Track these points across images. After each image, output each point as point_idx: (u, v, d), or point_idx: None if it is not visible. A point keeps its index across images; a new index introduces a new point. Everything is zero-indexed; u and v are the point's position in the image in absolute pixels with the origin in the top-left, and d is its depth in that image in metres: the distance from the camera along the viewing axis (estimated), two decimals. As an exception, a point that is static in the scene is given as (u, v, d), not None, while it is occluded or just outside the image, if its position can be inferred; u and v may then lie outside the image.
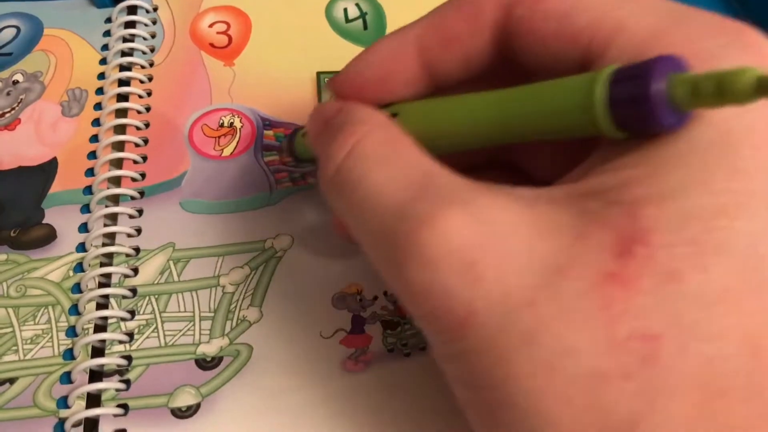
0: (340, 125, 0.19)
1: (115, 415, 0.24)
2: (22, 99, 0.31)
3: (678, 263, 0.13)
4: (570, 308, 0.14)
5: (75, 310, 0.26)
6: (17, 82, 0.32)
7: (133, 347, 0.25)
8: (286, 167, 0.29)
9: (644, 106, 0.14)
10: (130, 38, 0.32)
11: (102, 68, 0.32)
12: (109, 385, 0.24)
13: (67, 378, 0.25)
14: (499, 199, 0.15)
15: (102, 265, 0.27)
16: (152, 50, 0.32)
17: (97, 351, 0.25)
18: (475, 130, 0.18)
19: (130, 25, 0.33)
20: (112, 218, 0.28)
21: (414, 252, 0.15)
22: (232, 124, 0.30)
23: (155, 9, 0.34)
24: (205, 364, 0.25)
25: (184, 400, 0.24)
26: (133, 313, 0.26)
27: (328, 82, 0.22)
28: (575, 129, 0.16)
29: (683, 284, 0.13)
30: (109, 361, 0.25)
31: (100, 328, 0.26)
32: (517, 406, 0.14)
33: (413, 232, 0.15)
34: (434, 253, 0.15)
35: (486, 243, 0.15)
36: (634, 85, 0.14)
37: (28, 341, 0.26)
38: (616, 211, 0.14)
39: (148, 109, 0.31)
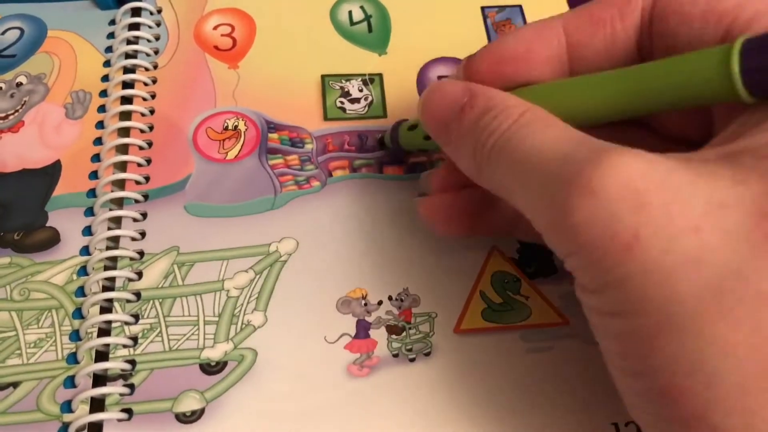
0: (487, 109, 0.20)
1: (119, 420, 0.24)
2: (25, 101, 0.31)
3: None
4: (735, 237, 0.15)
5: (79, 313, 0.26)
6: (21, 84, 0.32)
7: (137, 351, 0.25)
8: (291, 170, 0.29)
9: None
10: (134, 40, 0.32)
11: (106, 70, 0.32)
12: (112, 389, 0.24)
13: (70, 382, 0.25)
14: (657, 155, 0.16)
15: (106, 268, 0.27)
16: (156, 52, 0.32)
17: (101, 355, 0.25)
18: (610, 103, 0.19)
19: (134, 27, 0.33)
20: (116, 221, 0.28)
21: (581, 185, 0.16)
22: (236, 127, 0.30)
23: (159, 11, 0.34)
24: (210, 368, 0.25)
25: (189, 404, 0.24)
26: (137, 317, 0.26)
27: (466, 62, 0.23)
28: (708, 97, 0.17)
29: None
30: (113, 365, 0.25)
31: (103, 332, 0.26)
32: (680, 329, 0.15)
33: (581, 170, 0.16)
34: (601, 184, 0.16)
35: (651, 176, 0.16)
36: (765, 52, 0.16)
37: (32, 345, 0.25)
38: None
39: (152, 112, 0.30)
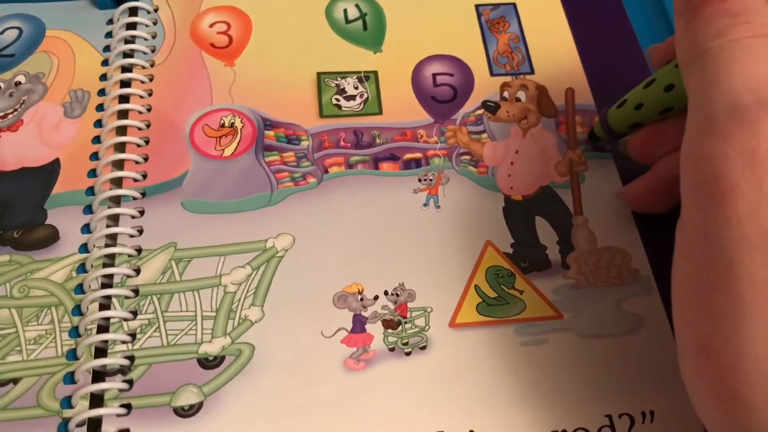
0: (734, 13, 0.19)
1: (118, 415, 0.24)
2: (24, 100, 0.31)
3: None
4: None
5: (78, 310, 0.26)
6: (20, 83, 0.32)
7: (136, 347, 0.25)
8: (287, 167, 0.30)
9: None
10: (131, 39, 0.33)
11: (104, 69, 0.32)
12: (111, 385, 0.24)
13: (70, 378, 0.25)
14: None
15: (105, 265, 0.27)
16: (153, 50, 0.33)
17: (100, 351, 0.25)
18: None
19: (132, 26, 0.33)
20: (114, 219, 0.28)
21: (721, 124, 0.17)
22: (233, 124, 0.30)
23: (156, 9, 0.34)
24: (208, 363, 0.25)
25: (187, 399, 0.24)
26: (135, 313, 0.26)
27: None
28: None
29: None
30: (112, 361, 0.25)
31: (102, 328, 0.26)
32: (732, 294, 0.16)
33: (735, 112, 0.17)
34: (733, 132, 0.17)
35: None
36: None
37: (32, 342, 0.26)
38: None
39: (149, 110, 0.31)
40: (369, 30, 0.34)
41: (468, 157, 0.30)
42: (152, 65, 0.32)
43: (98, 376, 0.25)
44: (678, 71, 0.24)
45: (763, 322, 0.15)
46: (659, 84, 0.25)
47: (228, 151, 0.30)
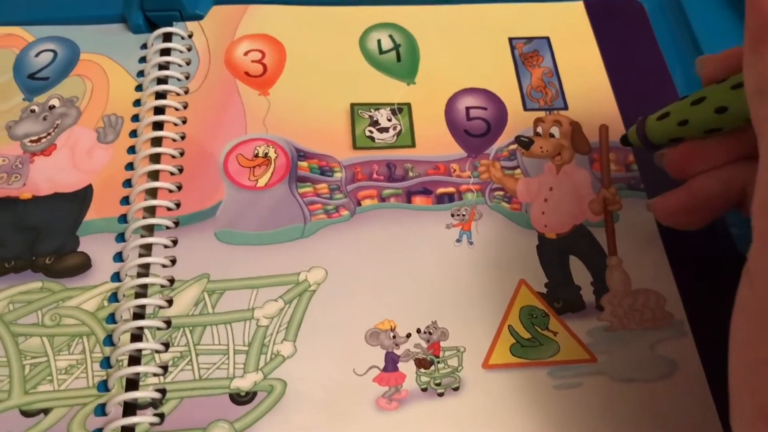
0: None
1: (150, 450, 0.24)
2: (58, 124, 0.31)
3: None
4: None
5: (109, 340, 0.26)
6: (54, 107, 0.32)
7: (168, 380, 0.25)
8: (320, 199, 0.29)
9: None
10: (166, 65, 0.33)
11: (138, 95, 0.32)
12: (143, 419, 0.24)
13: (101, 410, 0.25)
14: None
15: (137, 295, 0.27)
16: (187, 77, 0.33)
17: (132, 383, 0.25)
18: None
19: (166, 52, 0.33)
20: (147, 248, 0.28)
21: None
22: (266, 154, 0.30)
23: (190, 35, 0.34)
24: (240, 398, 0.25)
25: (218, 435, 0.24)
26: (167, 345, 0.26)
27: None
28: None
29: None
30: (144, 394, 0.25)
31: (134, 359, 0.26)
32: None
33: None
34: None
35: None
36: None
37: (63, 371, 0.26)
38: None
39: (183, 137, 0.31)
40: (402, 61, 0.34)
41: (501, 192, 0.30)
42: (186, 92, 0.32)
43: (129, 408, 0.25)
44: (733, 93, 0.23)
45: None
46: (710, 104, 0.24)
47: (262, 182, 0.30)
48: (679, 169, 0.26)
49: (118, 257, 0.28)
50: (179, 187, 0.29)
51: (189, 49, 0.34)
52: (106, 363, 0.26)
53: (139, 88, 0.33)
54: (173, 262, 0.28)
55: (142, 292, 0.27)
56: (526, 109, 0.33)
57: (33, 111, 0.32)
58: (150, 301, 0.27)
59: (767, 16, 0.18)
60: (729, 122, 0.24)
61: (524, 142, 0.31)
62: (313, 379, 0.25)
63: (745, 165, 0.24)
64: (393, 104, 0.32)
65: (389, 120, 0.32)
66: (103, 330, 0.26)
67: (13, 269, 0.28)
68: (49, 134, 0.31)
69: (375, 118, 0.32)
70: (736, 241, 0.29)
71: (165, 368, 0.26)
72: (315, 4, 0.35)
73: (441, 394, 0.25)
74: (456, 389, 0.25)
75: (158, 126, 0.31)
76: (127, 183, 0.30)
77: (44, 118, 0.32)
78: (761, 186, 0.18)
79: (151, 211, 0.29)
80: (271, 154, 0.30)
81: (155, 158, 0.30)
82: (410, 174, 0.30)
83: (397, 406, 0.25)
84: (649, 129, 0.27)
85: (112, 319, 0.27)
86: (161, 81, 0.32)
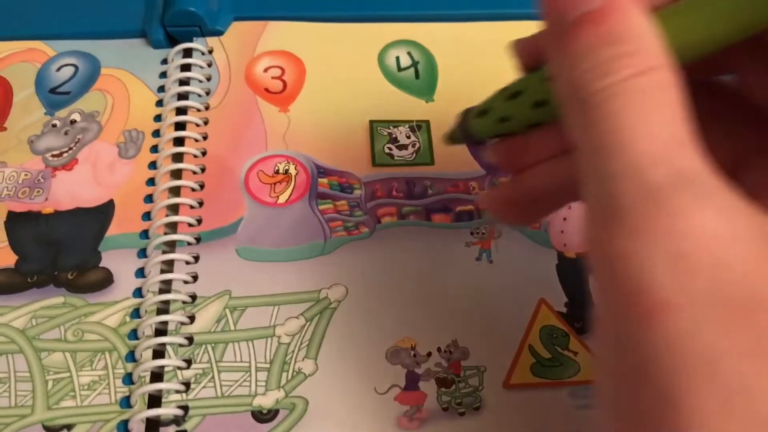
0: (617, 39, 0.16)
1: (173, 467, 0.24)
2: (79, 139, 0.32)
3: None
4: (764, 348, 0.13)
5: (132, 356, 0.26)
6: (75, 121, 0.32)
7: (190, 397, 0.25)
8: (340, 216, 0.30)
9: None
10: (186, 81, 0.33)
11: (158, 110, 0.32)
12: (166, 435, 0.24)
13: (124, 427, 0.25)
14: (735, 203, 0.14)
15: (159, 311, 0.27)
16: (208, 93, 0.33)
17: (154, 399, 0.25)
18: (731, 19, 0.16)
19: (186, 67, 0.33)
20: (169, 264, 0.28)
21: (630, 222, 0.14)
22: (287, 171, 0.31)
23: (211, 51, 0.34)
24: (262, 416, 0.25)
25: (241, 453, 0.24)
26: (189, 362, 0.26)
27: None
28: None
29: None
30: (167, 411, 0.25)
31: (156, 375, 0.26)
32: (680, 421, 0.13)
33: (641, 203, 0.14)
34: (651, 228, 0.14)
35: (710, 243, 0.13)
36: None
37: (86, 387, 0.26)
38: None
39: (204, 153, 0.31)
40: (421, 78, 0.34)
41: (520, 210, 0.30)
42: (207, 108, 0.32)
43: (152, 424, 0.25)
44: (548, 86, 0.20)
45: None
46: (527, 98, 0.21)
47: (282, 198, 0.30)
48: (507, 165, 0.23)
49: (140, 273, 0.28)
50: (200, 203, 0.30)
51: (209, 65, 0.34)
52: (128, 379, 0.26)
53: (159, 103, 0.33)
54: (195, 278, 0.28)
55: (164, 308, 0.27)
56: (544, 127, 0.33)
57: (54, 125, 0.32)
58: (172, 318, 0.27)
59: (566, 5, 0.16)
60: (550, 115, 0.20)
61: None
62: (334, 397, 0.26)
63: (566, 159, 0.21)
64: (412, 121, 0.32)
65: (408, 137, 0.32)
66: (125, 346, 0.26)
67: (35, 284, 0.28)
68: (70, 149, 0.31)
69: (394, 135, 0.32)
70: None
71: (187, 385, 0.26)
72: (334, 20, 0.35)
73: (462, 414, 0.25)
74: (477, 408, 0.26)
75: (179, 141, 0.31)
76: (149, 198, 0.30)
77: (66, 133, 0.32)
78: (589, 229, 0.16)
79: (172, 227, 0.29)
80: (292, 170, 0.31)
81: (176, 174, 0.30)
82: (429, 191, 0.31)
83: (418, 425, 0.25)
84: (473, 126, 0.24)
85: (134, 335, 0.27)
86: (182, 96, 0.33)
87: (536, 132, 0.21)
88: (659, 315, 0.13)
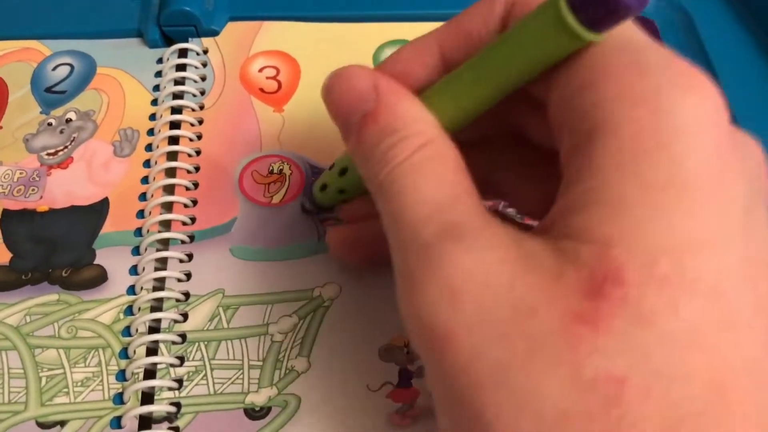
0: (392, 130, 0.19)
1: (165, 464, 0.24)
2: (74, 137, 0.32)
3: (650, 303, 0.14)
4: (539, 346, 0.14)
5: (125, 353, 0.26)
6: (70, 120, 0.32)
7: (183, 394, 0.26)
8: (334, 215, 0.30)
9: None
10: (181, 80, 0.33)
11: (153, 109, 0.33)
12: (159, 432, 0.25)
13: (117, 423, 0.25)
14: (496, 237, 0.17)
15: (152, 309, 0.27)
16: (202, 93, 0.33)
17: (147, 396, 0.26)
18: (479, 88, 0.19)
19: (181, 67, 0.34)
20: (163, 261, 0.28)
21: (411, 275, 0.17)
22: (281, 171, 0.31)
23: (206, 51, 0.34)
24: (254, 413, 0.25)
25: (233, 450, 0.24)
26: (182, 359, 0.26)
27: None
28: (552, 48, 0.17)
29: (654, 326, 0.14)
30: (159, 408, 0.25)
31: (149, 372, 0.26)
32: None
33: (416, 258, 0.17)
34: (426, 278, 0.16)
35: (472, 276, 0.16)
36: None
37: (79, 384, 0.26)
38: (587, 250, 0.15)
39: (198, 153, 0.31)
40: (415, 79, 0.34)
41: (513, 210, 0.30)
42: (202, 108, 0.32)
43: (145, 421, 0.25)
44: None
45: None
46: (353, 173, 0.25)
47: (276, 198, 0.30)
48: (351, 221, 0.27)
49: (134, 270, 0.28)
50: (194, 202, 0.30)
51: (204, 65, 0.34)
52: (121, 376, 0.26)
53: (154, 102, 0.33)
54: (188, 276, 0.28)
55: (157, 305, 0.27)
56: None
57: (50, 124, 0.32)
58: (165, 315, 0.27)
59: (348, 107, 0.20)
60: None
61: None
62: (327, 394, 0.26)
63: None
64: (406, 121, 0.33)
65: (402, 137, 0.32)
66: (118, 343, 0.27)
67: (29, 281, 0.28)
68: (66, 147, 0.32)
69: (388, 135, 0.32)
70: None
71: (180, 382, 0.26)
72: (329, 20, 0.35)
73: (454, 411, 0.26)
74: (469, 406, 0.26)
75: (174, 141, 0.31)
76: (143, 196, 0.30)
77: (61, 132, 0.32)
78: (398, 292, 0.18)
79: (166, 225, 0.29)
80: (286, 170, 0.31)
81: (171, 173, 0.30)
82: (423, 191, 0.31)
83: (410, 422, 0.25)
84: (317, 199, 0.28)
85: (127, 332, 0.27)
86: (177, 96, 0.33)
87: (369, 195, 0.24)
88: (447, 345, 0.16)
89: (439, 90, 0.20)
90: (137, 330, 0.27)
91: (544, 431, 0.14)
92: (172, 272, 0.28)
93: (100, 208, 0.30)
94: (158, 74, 0.34)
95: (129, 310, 0.27)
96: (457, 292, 0.16)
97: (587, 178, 0.16)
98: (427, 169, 0.18)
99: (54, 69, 0.34)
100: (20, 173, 0.31)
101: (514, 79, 0.19)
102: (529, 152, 0.23)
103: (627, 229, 0.15)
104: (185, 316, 0.27)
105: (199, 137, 0.32)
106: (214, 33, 0.35)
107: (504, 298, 0.15)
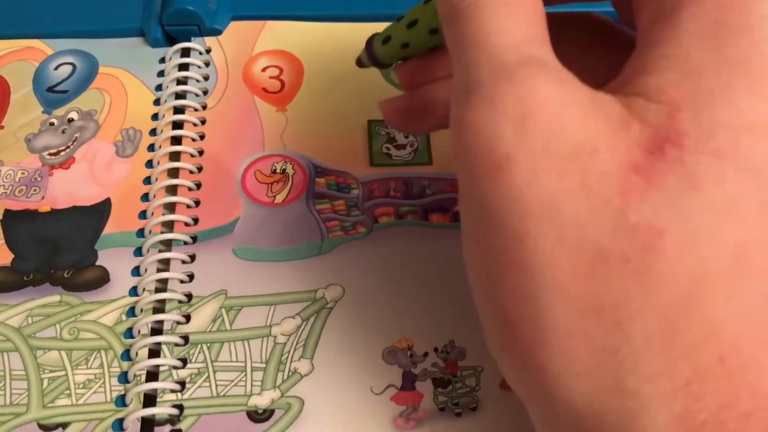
0: None
1: (167, 467, 0.24)
2: (77, 137, 0.32)
3: (701, 170, 0.15)
4: (593, 185, 0.15)
5: (127, 355, 0.26)
6: (72, 120, 0.32)
7: (185, 396, 0.25)
8: (337, 215, 0.30)
9: None
10: (184, 80, 0.33)
11: (156, 109, 0.32)
12: (161, 435, 0.24)
13: (119, 425, 0.25)
14: (575, 80, 0.17)
15: (155, 310, 0.27)
16: (205, 93, 0.33)
17: (149, 398, 0.25)
18: None
19: (184, 67, 0.33)
20: (165, 263, 0.28)
21: (484, 92, 0.16)
22: (284, 170, 0.30)
23: (208, 51, 0.34)
24: (257, 416, 0.25)
25: (236, 453, 0.24)
26: (185, 361, 0.26)
27: None
28: None
29: (700, 191, 0.15)
30: (162, 410, 0.25)
31: (152, 374, 0.26)
32: (524, 265, 0.16)
33: (493, 77, 0.16)
34: (500, 96, 0.16)
35: (546, 104, 0.16)
36: None
37: (81, 385, 0.26)
38: (656, 110, 0.15)
39: (201, 153, 0.31)
40: (419, 78, 0.34)
41: (518, 211, 0.30)
42: (204, 107, 0.32)
43: (147, 423, 0.25)
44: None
45: (557, 290, 0.15)
46: (423, 26, 0.23)
47: (279, 198, 0.30)
48: (410, 83, 0.25)
49: (136, 272, 0.28)
50: (197, 203, 0.30)
51: (207, 65, 0.34)
52: (123, 378, 0.26)
53: (157, 102, 0.33)
54: (191, 277, 0.28)
55: (159, 307, 0.27)
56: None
57: (52, 124, 0.32)
58: (168, 317, 0.27)
59: None
60: (444, 41, 0.22)
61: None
62: (330, 397, 0.25)
63: None
64: (410, 121, 0.32)
65: (406, 137, 0.32)
66: (121, 344, 0.26)
67: (31, 282, 0.28)
68: (68, 147, 0.31)
69: (392, 135, 0.32)
70: None
71: (182, 384, 0.26)
72: (333, 20, 0.35)
73: (459, 414, 0.25)
74: (474, 409, 0.25)
75: (176, 141, 0.31)
76: (145, 197, 0.30)
77: (63, 131, 0.32)
78: (452, 110, 0.18)
79: (168, 225, 0.29)
80: (289, 170, 0.31)
81: (173, 173, 0.30)
82: (427, 191, 0.30)
83: (414, 426, 0.25)
84: (378, 51, 0.26)
85: (129, 334, 0.27)
86: (179, 96, 0.33)
87: (435, 54, 0.24)
88: (504, 169, 0.16)
89: None
90: (139, 332, 0.27)
91: (581, 266, 0.15)
92: (174, 273, 0.28)
93: (102, 209, 0.30)
94: (161, 74, 0.34)
95: (131, 312, 0.27)
96: (528, 117, 0.16)
97: (668, 44, 0.16)
98: (519, 7, 0.18)
99: (56, 68, 0.34)
100: (22, 173, 0.30)
101: None
102: (593, 27, 0.23)
103: (698, 98, 0.15)
104: (188, 318, 0.27)
105: (202, 137, 0.31)
106: (216, 32, 0.35)
107: (571, 134, 0.15)
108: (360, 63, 0.28)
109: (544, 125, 0.16)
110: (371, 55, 0.26)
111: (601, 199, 0.15)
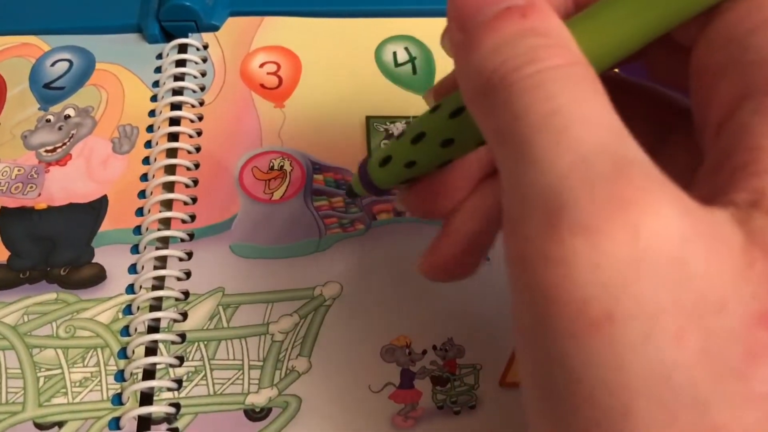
0: (541, 33, 0.14)
1: (164, 465, 0.24)
2: (73, 134, 0.31)
3: None
4: (716, 350, 0.12)
5: (123, 353, 0.26)
6: (69, 116, 0.32)
7: (182, 395, 0.25)
8: (335, 212, 0.29)
9: None
10: (181, 76, 0.33)
11: (153, 105, 0.32)
12: (158, 433, 0.24)
13: (115, 424, 0.25)
14: (679, 194, 0.13)
15: (151, 308, 0.27)
16: (202, 89, 0.33)
17: (146, 396, 0.25)
18: (634, 21, 0.15)
19: (181, 63, 0.33)
20: (162, 260, 0.28)
21: (579, 220, 0.12)
22: (282, 167, 0.30)
23: (206, 47, 0.34)
24: (254, 414, 0.25)
25: (233, 451, 0.24)
26: (182, 359, 0.26)
27: None
28: None
29: None
30: (158, 409, 0.25)
31: (148, 372, 0.26)
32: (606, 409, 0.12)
33: (598, 189, 0.12)
34: (607, 226, 0.12)
35: (666, 248, 0.12)
36: None
37: (77, 384, 0.25)
38: None
39: (198, 149, 0.31)
40: (418, 74, 0.34)
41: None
42: (201, 104, 0.32)
43: (143, 422, 0.25)
44: (453, 122, 0.19)
45: None
46: (433, 138, 0.19)
47: (277, 195, 0.30)
48: (423, 213, 0.22)
49: (133, 269, 0.28)
50: (194, 200, 0.29)
51: (204, 61, 0.34)
52: (120, 376, 0.26)
53: (154, 98, 0.32)
54: (188, 275, 0.28)
55: (156, 304, 0.27)
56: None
57: (48, 121, 0.32)
58: (164, 315, 0.26)
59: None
60: (460, 152, 0.19)
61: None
62: (328, 395, 0.25)
63: (492, 182, 0.20)
64: (409, 117, 0.32)
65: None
66: (117, 342, 0.26)
67: (27, 280, 0.28)
68: (64, 144, 0.31)
69: (390, 131, 0.32)
70: None
71: (179, 383, 0.25)
72: (331, 15, 0.35)
73: (457, 412, 0.25)
74: (472, 407, 0.25)
75: (173, 137, 0.31)
76: (142, 194, 0.30)
77: (59, 128, 0.32)
78: (511, 236, 0.14)
79: (166, 223, 0.29)
80: (287, 167, 0.30)
81: (170, 170, 0.30)
82: (426, 188, 0.30)
83: (413, 424, 0.25)
84: (375, 176, 0.22)
85: (126, 332, 0.26)
86: (176, 92, 0.32)
87: (448, 171, 0.20)
88: (602, 330, 0.12)
89: (583, 20, 0.16)
90: (136, 329, 0.26)
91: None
92: (171, 271, 0.27)
93: (99, 206, 0.29)
94: (158, 70, 0.33)
95: (128, 309, 0.27)
96: (643, 261, 0.12)
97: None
98: (588, 87, 0.14)
99: (53, 65, 0.34)
100: (18, 170, 0.30)
101: (683, 9, 0.15)
102: (625, 88, 0.19)
103: None
104: (185, 315, 0.27)
105: (199, 134, 0.31)
106: (214, 28, 0.34)
107: (695, 284, 0.12)
108: (351, 193, 0.24)
109: (664, 273, 0.12)
110: (367, 182, 0.22)
111: (724, 366, 0.12)
